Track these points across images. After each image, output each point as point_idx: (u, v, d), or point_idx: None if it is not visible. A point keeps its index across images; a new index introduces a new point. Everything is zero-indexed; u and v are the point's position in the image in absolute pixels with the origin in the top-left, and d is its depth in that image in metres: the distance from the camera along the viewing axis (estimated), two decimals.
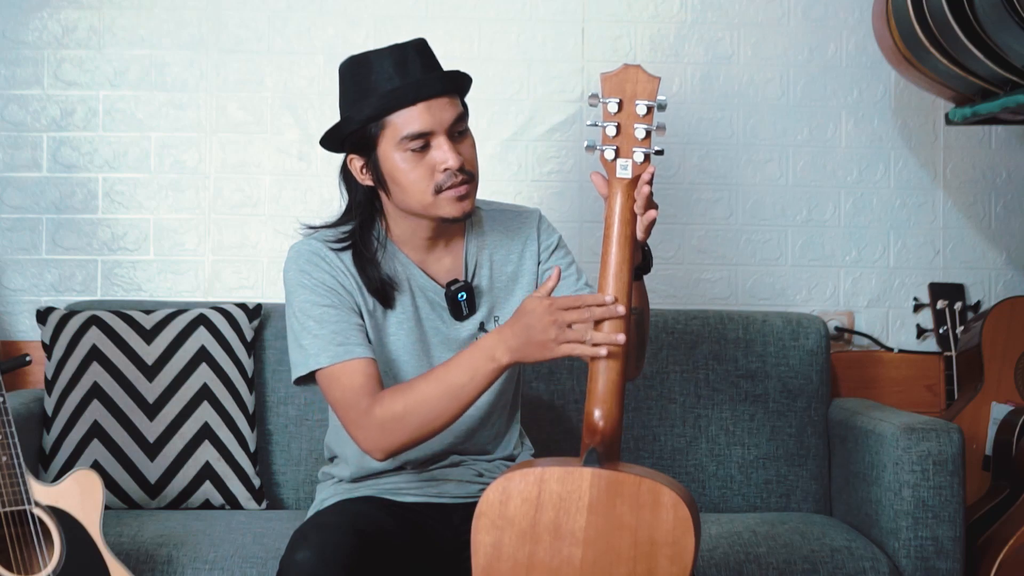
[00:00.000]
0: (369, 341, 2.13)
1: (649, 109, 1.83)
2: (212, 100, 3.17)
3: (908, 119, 3.23)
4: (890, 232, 3.24)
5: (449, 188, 2.06)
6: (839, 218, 3.23)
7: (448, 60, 3.13)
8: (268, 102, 3.18)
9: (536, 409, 2.87)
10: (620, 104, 1.84)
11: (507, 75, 3.19)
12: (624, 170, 1.85)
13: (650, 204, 1.86)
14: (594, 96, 1.85)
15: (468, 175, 2.08)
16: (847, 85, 3.22)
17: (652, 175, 1.85)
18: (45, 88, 3.15)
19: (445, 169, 2.05)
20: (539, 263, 2.23)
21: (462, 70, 2.14)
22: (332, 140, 2.16)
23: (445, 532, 2.14)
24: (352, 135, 2.11)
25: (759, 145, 3.22)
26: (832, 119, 3.22)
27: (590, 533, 1.75)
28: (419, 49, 2.11)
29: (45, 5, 3.15)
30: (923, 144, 3.23)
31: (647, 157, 1.84)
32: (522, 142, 3.19)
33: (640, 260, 1.96)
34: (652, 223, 1.87)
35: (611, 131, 1.85)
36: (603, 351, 1.83)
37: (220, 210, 3.16)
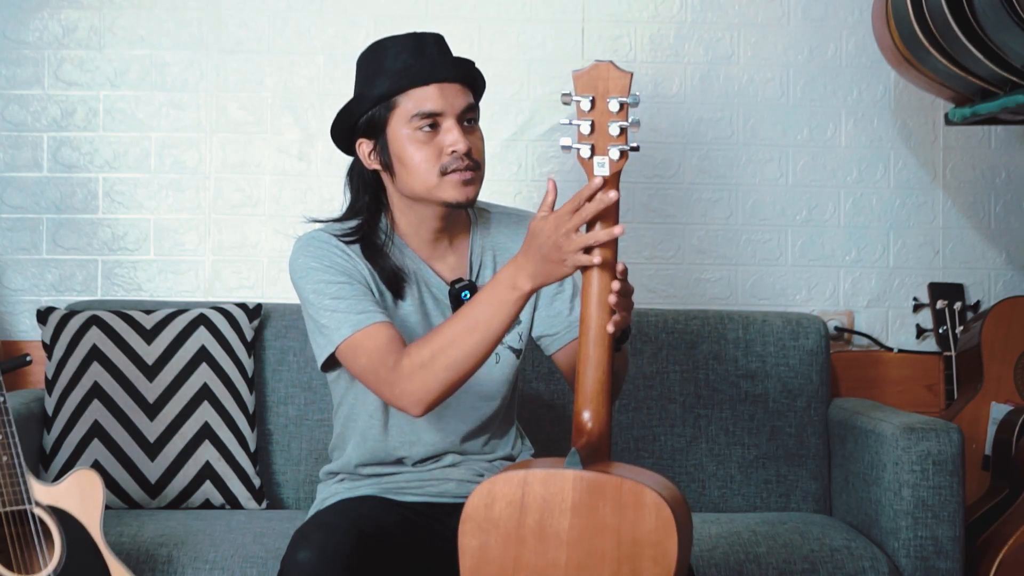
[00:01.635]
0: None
1: (622, 106, 1.82)
2: (212, 100, 3.17)
3: (908, 119, 3.23)
4: (890, 232, 3.24)
5: (454, 171, 2.08)
6: (839, 218, 3.23)
7: None
8: (268, 102, 3.18)
9: (536, 409, 2.87)
10: (592, 101, 1.84)
11: (507, 75, 3.19)
12: (602, 168, 1.84)
13: (625, 302, 1.86)
14: (567, 94, 1.84)
15: (475, 163, 2.11)
16: (847, 85, 3.22)
17: (624, 273, 1.85)
18: (45, 88, 3.15)
19: (453, 151, 2.08)
20: None
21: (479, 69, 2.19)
22: (343, 125, 2.16)
23: (445, 532, 2.13)
24: (363, 117, 2.12)
25: (759, 145, 3.22)
26: (832, 119, 3.22)
27: (574, 535, 1.75)
28: (436, 38, 2.17)
29: (45, 5, 3.15)
30: (923, 144, 3.23)
31: (624, 154, 1.83)
32: (522, 142, 3.19)
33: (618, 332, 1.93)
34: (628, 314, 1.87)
35: (585, 129, 1.84)
36: (606, 254, 1.82)
37: (220, 210, 3.17)
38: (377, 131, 2.12)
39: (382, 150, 2.12)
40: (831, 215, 3.23)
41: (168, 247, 3.16)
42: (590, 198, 1.81)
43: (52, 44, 3.15)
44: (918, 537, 2.51)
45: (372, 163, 2.16)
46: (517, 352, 2.21)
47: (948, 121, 3.03)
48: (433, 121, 2.09)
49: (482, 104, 3.13)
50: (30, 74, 3.14)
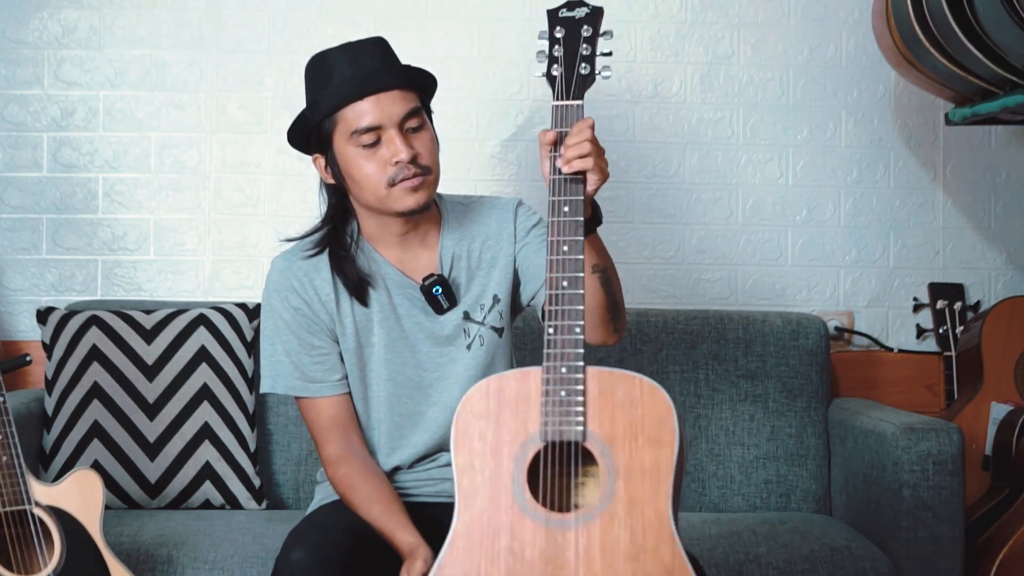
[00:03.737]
0: (341, 362, 2.17)
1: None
2: (212, 100, 3.17)
3: (908, 119, 3.23)
4: (890, 232, 3.24)
5: (402, 181, 2.06)
6: (839, 218, 3.23)
7: (448, 60, 3.15)
8: (268, 102, 3.18)
9: None
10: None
11: (507, 75, 3.19)
12: None
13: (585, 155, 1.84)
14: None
15: (423, 168, 2.07)
16: (847, 85, 3.22)
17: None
18: (45, 88, 3.15)
19: (396, 162, 2.05)
20: (515, 241, 2.21)
21: (423, 68, 2.13)
22: (297, 140, 2.18)
23: (441, 531, 2.13)
24: (312, 132, 2.12)
25: (759, 145, 3.22)
26: (832, 119, 3.22)
27: None
28: (374, 45, 2.11)
29: (45, 5, 3.15)
30: (923, 144, 3.23)
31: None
32: (522, 142, 3.19)
33: (590, 213, 1.91)
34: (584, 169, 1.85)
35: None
36: None
37: (220, 210, 3.17)
38: (325, 147, 2.12)
39: (333, 164, 2.12)
40: (831, 215, 3.23)
41: (168, 247, 3.16)
42: None
43: (52, 44, 3.15)
44: (918, 537, 2.51)
45: (327, 177, 2.16)
46: (499, 331, 2.20)
47: (948, 121, 3.02)
48: (375, 137, 2.06)
49: (482, 104, 3.15)
50: (30, 74, 3.14)
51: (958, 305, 3.16)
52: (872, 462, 2.65)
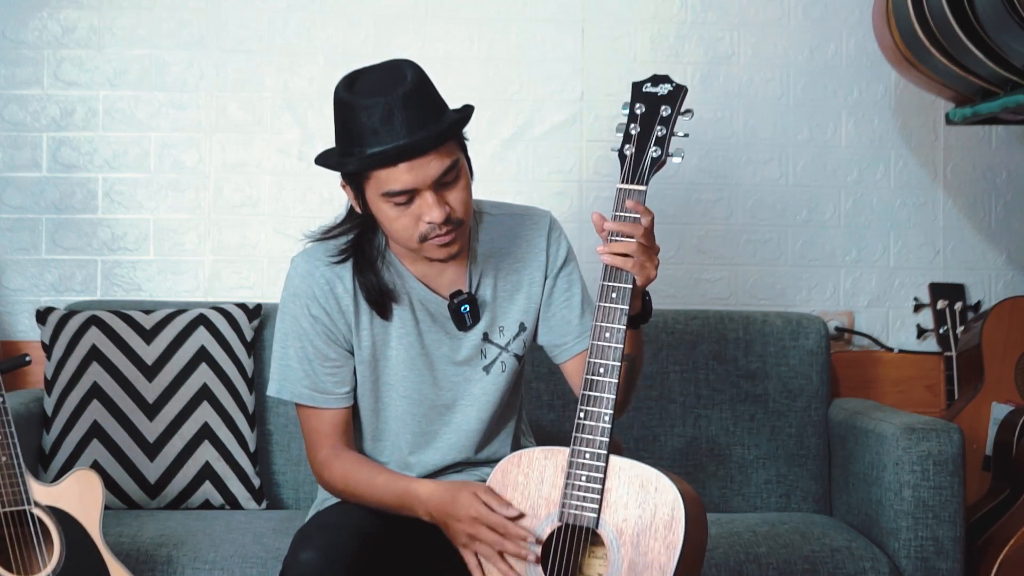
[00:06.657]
0: (352, 374, 2.15)
1: None
2: (212, 100, 3.17)
3: (908, 119, 3.23)
4: (890, 232, 3.24)
5: (434, 237, 2.02)
6: (839, 218, 3.23)
7: (448, 60, 3.15)
8: (268, 102, 3.18)
9: (536, 409, 2.87)
10: None
11: (507, 75, 3.19)
12: None
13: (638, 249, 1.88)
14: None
15: (456, 222, 2.02)
16: (847, 85, 3.22)
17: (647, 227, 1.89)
18: (45, 88, 3.15)
19: (429, 222, 2.00)
20: (545, 274, 2.20)
21: (463, 112, 2.03)
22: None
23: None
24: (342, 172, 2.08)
25: (759, 145, 3.22)
26: (832, 119, 3.22)
27: None
28: (408, 98, 1.96)
29: (45, 5, 3.15)
30: (923, 144, 3.23)
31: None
32: (522, 142, 3.19)
33: (639, 308, 1.95)
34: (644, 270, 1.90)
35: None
36: None
37: (220, 210, 3.16)
38: (356, 188, 2.05)
39: (363, 204, 2.06)
40: (831, 215, 3.23)
41: (168, 247, 3.16)
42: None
43: (51, 44, 3.15)
44: (919, 537, 2.51)
45: (357, 207, 2.09)
46: (520, 358, 2.20)
47: (948, 121, 3.03)
48: (408, 197, 1.98)
49: (482, 104, 3.13)
50: (29, 74, 3.14)
51: (958, 305, 3.16)
52: (872, 462, 2.65)
